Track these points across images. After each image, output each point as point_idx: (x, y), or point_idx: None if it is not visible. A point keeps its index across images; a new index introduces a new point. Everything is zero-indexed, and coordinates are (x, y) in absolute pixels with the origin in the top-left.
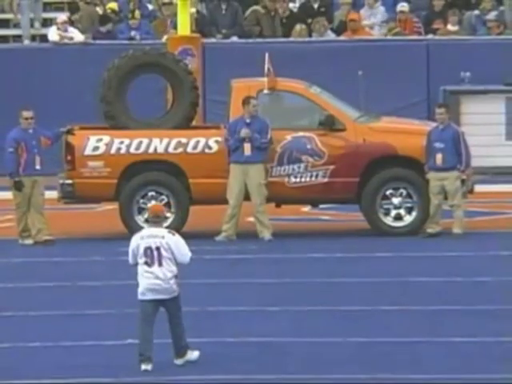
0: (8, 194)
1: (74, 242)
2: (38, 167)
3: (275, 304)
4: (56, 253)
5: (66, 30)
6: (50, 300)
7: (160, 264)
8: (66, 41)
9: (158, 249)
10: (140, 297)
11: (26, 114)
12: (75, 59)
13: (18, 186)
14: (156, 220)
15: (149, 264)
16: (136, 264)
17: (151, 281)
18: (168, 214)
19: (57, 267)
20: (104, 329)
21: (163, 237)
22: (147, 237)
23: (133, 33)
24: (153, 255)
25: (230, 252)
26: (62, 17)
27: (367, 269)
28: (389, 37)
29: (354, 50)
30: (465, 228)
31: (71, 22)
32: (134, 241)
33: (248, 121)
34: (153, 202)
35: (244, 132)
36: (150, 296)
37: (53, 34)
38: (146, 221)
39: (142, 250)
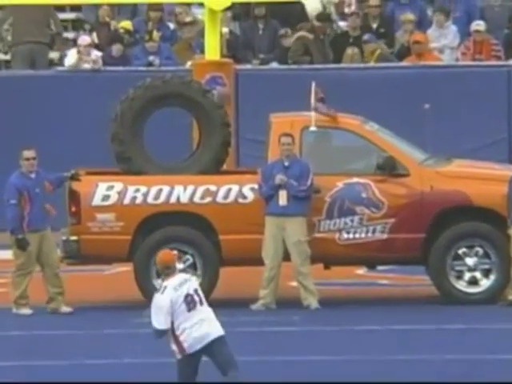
0: (8, 253)
1: (79, 312)
2: (45, 220)
3: None
4: (58, 324)
5: (88, 54)
6: (53, 381)
7: None
8: (86, 66)
9: None
10: None
11: (28, 153)
12: (82, 89)
13: (21, 245)
14: (167, 272)
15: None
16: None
17: None
18: (193, 278)
19: (60, 342)
20: None
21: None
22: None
23: (151, 58)
24: None
25: (269, 324)
26: (86, 38)
27: (434, 344)
28: (458, 62)
29: (420, 79)
30: None
31: (96, 45)
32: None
33: (286, 164)
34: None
35: (278, 178)
36: None
37: (71, 58)
38: (157, 274)
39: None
